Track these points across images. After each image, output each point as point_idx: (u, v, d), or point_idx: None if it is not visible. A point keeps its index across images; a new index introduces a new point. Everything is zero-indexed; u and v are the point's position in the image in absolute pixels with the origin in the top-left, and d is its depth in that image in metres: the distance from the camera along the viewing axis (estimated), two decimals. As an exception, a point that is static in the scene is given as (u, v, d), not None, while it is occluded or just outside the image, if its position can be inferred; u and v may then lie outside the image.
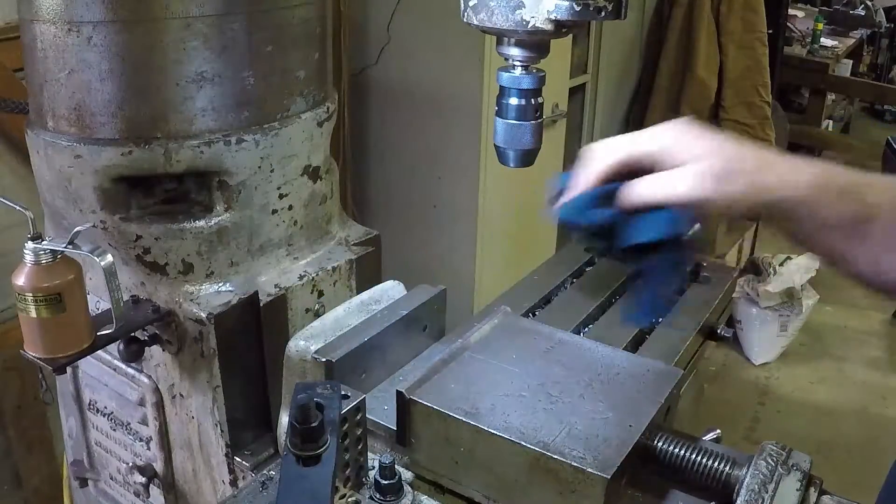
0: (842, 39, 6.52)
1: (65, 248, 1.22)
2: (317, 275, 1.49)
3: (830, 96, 6.71)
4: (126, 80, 1.25)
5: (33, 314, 1.22)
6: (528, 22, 1.03)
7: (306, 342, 1.26)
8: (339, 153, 3.04)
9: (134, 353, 1.42)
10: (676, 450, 1.11)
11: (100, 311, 1.40)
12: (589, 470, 1.00)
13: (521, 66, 1.11)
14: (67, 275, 1.23)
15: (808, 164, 0.88)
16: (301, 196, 1.46)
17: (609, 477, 0.99)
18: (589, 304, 1.56)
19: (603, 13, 1.02)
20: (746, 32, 3.77)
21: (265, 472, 1.15)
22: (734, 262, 4.63)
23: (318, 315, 1.45)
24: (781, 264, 4.18)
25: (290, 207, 1.45)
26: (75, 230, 1.23)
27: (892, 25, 7.93)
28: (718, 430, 1.24)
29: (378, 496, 1.08)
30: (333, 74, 1.56)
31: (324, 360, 1.20)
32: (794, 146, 5.92)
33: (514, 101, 1.13)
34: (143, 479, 1.56)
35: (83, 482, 1.79)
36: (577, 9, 1.01)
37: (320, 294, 1.51)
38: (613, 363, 1.23)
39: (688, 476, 1.11)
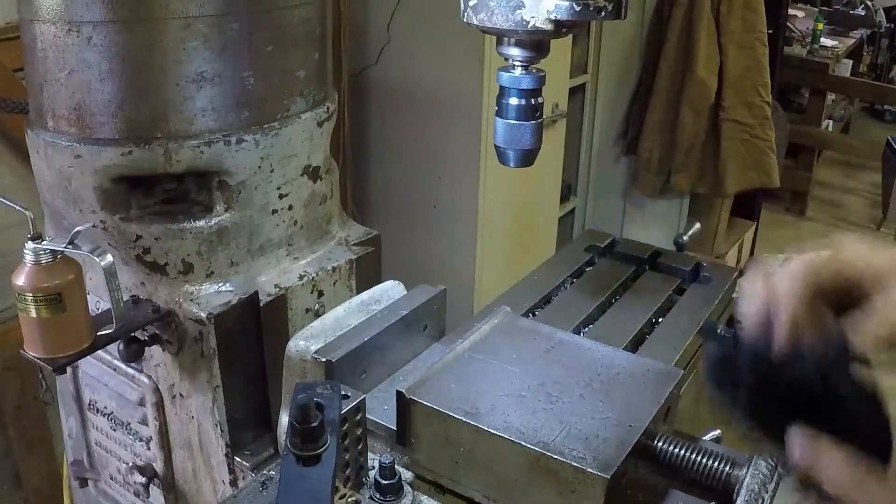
0: (842, 39, 6.52)
1: (65, 248, 1.22)
2: (317, 275, 1.49)
3: (830, 96, 6.71)
4: (126, 80, 1.25)
5: (33, 314, 1.22)
6: (528, 22, 1.03)
7: (306, 342, 1.26)
8: (339, 153, 3.04)
9: (134, 353, 1.41)
10: (676, 450, 1.11)
11: (100, 311, 1.40)
12: (589, 470, 1.00)
13: (521, 66, 1.12)
14: (67, 275, 1.23)
15: None
16: (301, 196, 1.46)
17: (609, 477, 0.99)
18: (589, 304, 1.56)
19: (603, 13, 1.02)
20: (746, 32, 3.76)
21: (265, 472, 1.16)
22: (734, 262, 4.63)
23: (318, 315, 1.45)
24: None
25: (290, 207, 1.45)
26: (75, 230, 1.23)
27: (892, 25, 7.93)
28: (718, 430, 1.24)
29: (378, 496, 1.08)
30: (333, 74, 1.56)
31: (324, 360, 1.20)
32: (794, 146, 5.93)
33: (514, 101, 1.13)
34: (143, 479, 1.56)
35: (83, 482, 1.79)
36: (577, 9, 1.01)
37: (320, 294, 1.51)
38: (613, 363, 1.23)
39: (688, 476, 1.11)
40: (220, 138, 1.31)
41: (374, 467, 1.11)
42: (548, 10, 1.02)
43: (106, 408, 1.63)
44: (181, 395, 1.46)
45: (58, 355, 1.26)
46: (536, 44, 1.10)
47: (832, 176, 7.05)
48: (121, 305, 1.29)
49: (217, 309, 1.35)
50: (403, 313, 1.34)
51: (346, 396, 1.05)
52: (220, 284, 1.39)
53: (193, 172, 1.34)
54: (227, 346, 1.36)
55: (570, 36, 2.88)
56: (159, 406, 1.50)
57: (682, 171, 4.01)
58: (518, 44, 1.10)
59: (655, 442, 1.12)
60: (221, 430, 1.42)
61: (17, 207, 1.26)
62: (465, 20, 1.11)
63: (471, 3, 1.08)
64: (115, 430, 1.63)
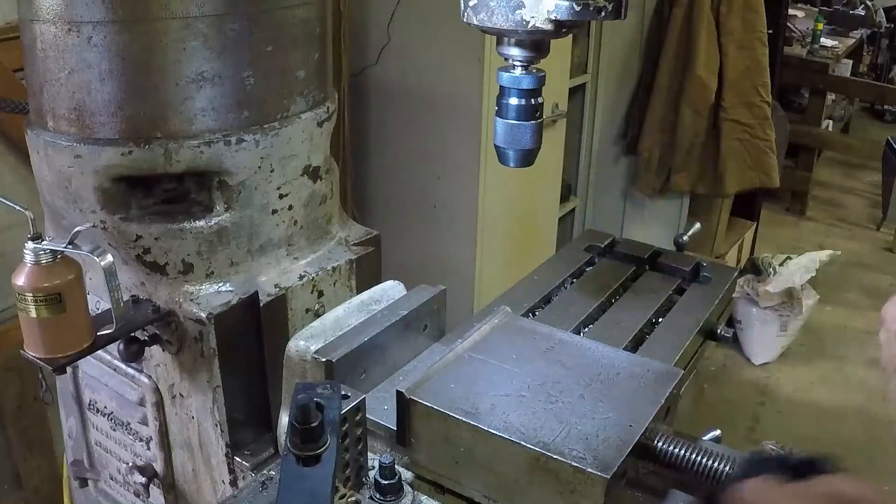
0: (842, 39, 6.51)
1: (65, 248, 1.22)
2: (317, 275, 1.49)
3: (830, 96, 6.70)
4: (126, 80, 1.25)
5: (33, 314, 1.22)
6: (528, 22, 1.03)
7: (306, 342, 1.26)
8: (339, 153, 3.04)
9: (134, 353, 1.42)
10: (676, 450, 1.11)
11: (100, 311, 1.40)
12: (589, 470, 1.00)
13: (521, 66, 1.12)
14: (67, 275, 1.23)
15: None
16: (301, 196, 1.46)
17: (609, 477, 0.99)
18: (589, 304, 1.56)
19: (603, 13, 1.02)
20: (746, 32, 3.76)
21: (265, 472, 1.16)
22: (734, 262, 4.63)
23: (318, 315, 1.45)
24: (781, 264, 4.18)
25: (290, 207, 1.45)
26: (75, 230, 1.23)
27: (892, 25, 7.93)
28: (718, 431, 1.24)
29: (378, 496, 1.08)
30: (333, 74, 1.56)
31: (324, 360, 1.20)
32: (794, 146, 5.93)
33: (514, 101, 1.13)
34: (143, 479, 1.56)
35: (83, 482, 1.79)
36: (577, 9, 1.01)
37: (320, 294, 1.51)
38: (613, 363, 1.23)
39: (688, 476, 1.11)
40: (220, 138, 1.31)
41: (374, 467, 1.11)
42: (548, 10, 1.02)
43: (106, 408, 1.63)
44: (181, 395, 1.46)
45: (58, 355, 1.26)
46: (536, 44, 1.10)
47: (832, 176, 7.05)
48: (121, 305, 1.29)
49: (217, 309, 1.35)
50: (403, 313, 1.34)
51: (346, 396, 1.05)
52: (220, 284, 1.39)
53: (193, 172, 1.34)
54: (227, 346, 1.36)
55: (570, 36, 2.88)
56: (159, 406, 1.50)
57: (682, 171, 4.01)
58: (518, 44, 1.10)
59: (655, 442, 1.12)
60: (221, 430, 1.42)
61: (17, 207, 1.26)
62: (465, 20, 1.11)
63: (471, 3, 1.08)
64: (115, 430, 1.63)
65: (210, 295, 1.38)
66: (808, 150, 6.23)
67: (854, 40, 6.74)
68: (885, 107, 8.14)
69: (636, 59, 4.10)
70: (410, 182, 3.20)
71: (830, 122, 6.84)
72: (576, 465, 1.01)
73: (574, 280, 1.68)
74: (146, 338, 1.41)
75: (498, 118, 1.16)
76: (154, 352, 1.45)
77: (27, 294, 1.21)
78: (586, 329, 1.51)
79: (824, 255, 4.24)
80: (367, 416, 1.11)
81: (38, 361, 1.26)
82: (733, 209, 4.67)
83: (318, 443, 0.92)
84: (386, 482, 1.08)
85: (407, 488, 1.10)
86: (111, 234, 1.35)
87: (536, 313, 1.55)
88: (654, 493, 1.14)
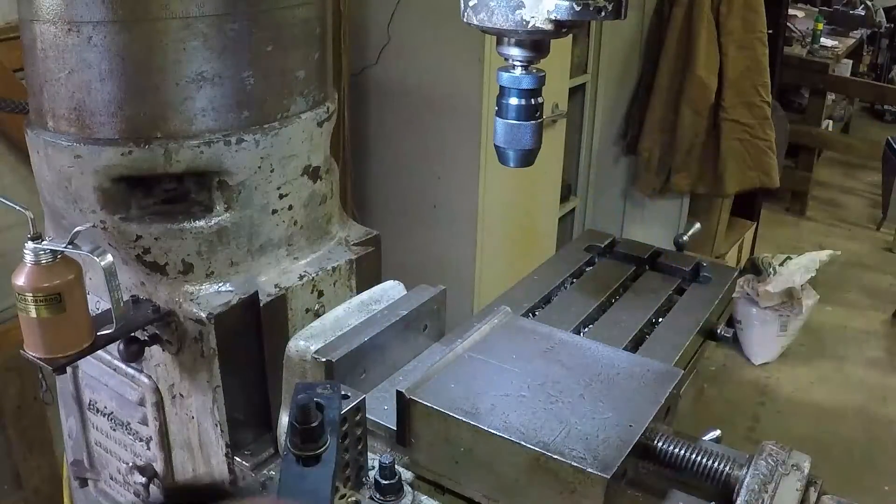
0: (842, 39, 6.52)
1: (65, 248, 1.22)
2: (317, 275, 1.49)
3: (830, 96, 6.70)
4: (126, 80, 1.25)
5: (33, 314, 1.22)
6: (528, 22, 1.04)
7: (306, 342, 1.26)
8: (339, 153, 3.04)
9: (134, 353, 1.41)
10: (676, 450, 1.11)
11: (100, 311, 1.40)
12: (589, 470, 1.00)
13: (521, 66, 1.12)
14: (67, 275, 1.23)
15: None
16: (301, 196, 1.46)
17: (609, 477, 0.99)
18: (589, 304, 1.56)
19: (603, 13, 1.02)
20: (746, 32, 3.76)
21: (265, 472, 1.16)
22: (734, 262, 4.63)
23: (318, 315, 1.45)
24: (781, 264, 4.18)
25: (290, 207, 1.45)
26: (75, 230, 1.23)
27: (892, 25, 7.93)
28: (718, 431, 1.24)
29: (378, 496, 1.08)
30: (333, 74, 1.56)
31: (324, 360, 1.20)
32: (794, 146, 5.93)
33: (514, 101, 1.13)
34: (143, 479, 1.56)
35: (83, 482, 1.79)
36: (577, 9, 1.01)
37: (320, 294, 1.51)
38: (613, 363, 1.23)
39: (688, 476, 1.11)
40: (220, 138, 1.31)
41: (374, 467, 1.11)
42: (548, 10, 1.03)
43: (106, 408, 1.63)
44: (181, 395, 1.46)
45: (58, 355, 1.26)
46: (536, 44, 1.11)
47: (832, 176, 7.05)
48: (121, 305, 1.29)
49: (217, 309, 1.35)
50: (403, 313, 1.34)
51: (346, 396, 1.05)
52: (220, 284, 1.39)
53: (193, 172, 1.34)
54: (227, 346, 1.36)
55: (570, 36, 2.88)
56: (159, 406, 1.50)
57: (682, 171, 4.02)
58: (518, 44, 1.11)
59: (655, 442, 1.12)
60: (221, 430, 1.42)
61: (17, 207, 1.26)
62: (465, 20, 1.11)
63: (471, 3, 1.08)
64: (115, 430, 1.63)
65: (210, 295, 1.38)
66: (808, 150, 6.23)
67: (854, 40, 6.74)
68: (885, 107, 8.14)
69: (636, 59, 4.10)
70: (410, 182, 3.20)
71: (830, 122, 6.84)
72: (576, 465, 1.01)
73: (574, 280, 1.68)
74: (146, 338, 1.41)
75: (498, 118, 1.16)
76: (154, 352, 1.45)
77: (27, 294, 1.21)
78: (586, 329, 1.51)
79: (824, 255, 4.24)
80: (367, 416, 1.11)
81: (38, 361, 1.26)
82: (733, 209, 4.67)
83: (318, 443, 0.92)
84: (386, 482, 1.08)
85: (407, 488, 1.10)
86: (111, 234, 1.35)
87: (536, 313, 1.55)
88: (654, 493, 1.14)
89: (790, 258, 4.23)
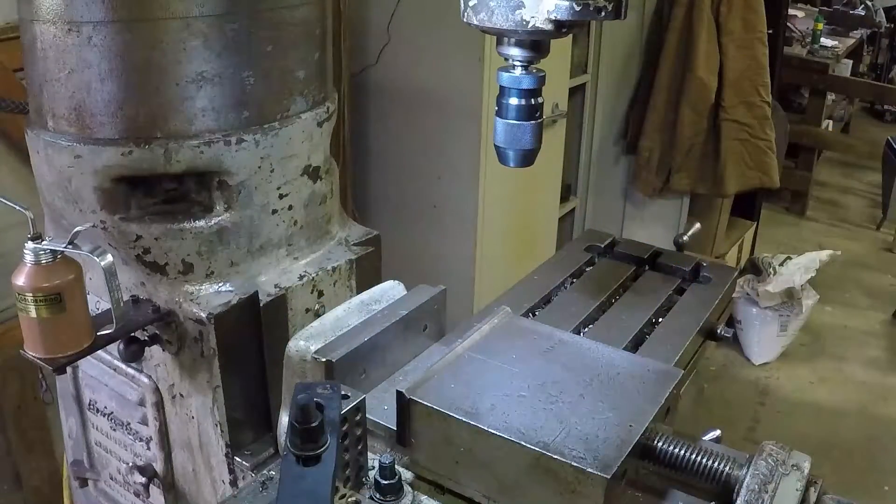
0: (842, 39, 6.52)
1: (65, 248, 1.22)
2: (317, 275, 1.49)
3: (830, 96, 6.70)
4: (126, 80, 1.25)
5: (33, 314, 1.22)
6: (528, 22, 1.04)
7: (306, 342, 1.26)
8: (339, 153, 3.04)
9: (134, 353, 1.42)
10: (676, 450, 1.11)
11: (100, 311, 1.40)
12: (589, 470, 1.00)
13: (521, 66, 1.12)
14: (67, 275, 1.23)
15: None
16: (301, 196, 1.46)
17: (609, 477, 0.99)
18: (589, 304, 1.56)
19: (603, 13, 1.02)
20: (746, 32, 3.76)
21: (265, 472, 1.15)
22: (734, 262, 4.63)
23: (318, 315, 1.45)
24: (781, 264, 4.18)
25: (290, 207, 1.45)
26: (75, 230, 1.23)
27: (892, 25, 7.93)
28: (718, 431, 1.24)
29: (378, 496, 1.08)
30: (333, 74, 1.56)
31: (324, 360, 1.20)
32: (794, 146, 5.93)
33: (514, 101, 1.13)
34: (143, 479, 1.56)
35: (83, 482, 1.79)
36: (577, 9, 1.01)
37: (320, 294, 1.51)
38: (613, 363, 1.23)
39: (688, 476, 1.11)
40: (220, 138, 1.31)
41: (374, 467, 1.11)
42: (548, 10, 1.03)
43: (106, 408, 1.63)
44: (181, 395, 1.46)
45: (58, 355, 1.26)
46: (536, 44, 1.11)
47: (832, 176, 7.05)
48: (121, 305, 1.29)
49: (217, 309, 1.35)
50: (403, 313, 1.34)
51: (346, 396, 1.05)
52: (220, 284, 1.39)
53: (193, 172, 1.34)
54: (227, 346, 1.36)
55: (570, 36, 2.88)
56: (159, 406, 1.50)
57: (682, 171, 4.01)
58: (518, 44, 1.11)
59: (655, 442, 1.12)
60: (221, 430, 1.42)
61: (17, 207, 1.26)
62: (465, 20, 1.11)
63: (471, 3, 1.08)
64: (115, 430, 1.63)
65: (210, 295, 1.38)
66: (808, 150, 6.23)
67: (854, 40, 6.74)
68: (885, 107, 8.14)
69: (636, 59, 4.10)
70: (410, 182, 3.20)
71: (830, 122, 6.84)
72: (576, 465, 1.01)
73: (574, 280, 1.68)
74: (146, 338, 1.41)
75: (498, 118, 1.16)
76: (154, 352, 1.45)
77: (27, 294, 1.21)
78: (586, 329, 1.51)
79: (824, 255, 4.24)
80: (367, 416, 1.11)
81: (38, 361, 1.26)
82: (733, 209, 4.67)
83: (318, 443, 0.92)
84: (386, 482, 1.08)
85: (407, 488, 1.10)
86: (111, 234, 1.35)
87: (536, 313, 1.55)
88: (654, 493, 1.14)
89: (790, 258, 4.23)
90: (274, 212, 1.42)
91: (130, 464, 1.60)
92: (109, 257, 1.25)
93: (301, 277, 1.47)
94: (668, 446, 1.12)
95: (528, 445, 1.04)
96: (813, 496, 1.07)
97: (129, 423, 1.59)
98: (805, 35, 6.17)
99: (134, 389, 1.53)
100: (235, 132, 1.32)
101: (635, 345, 1.45)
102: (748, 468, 1.07)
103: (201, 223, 1.36)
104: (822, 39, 6.16)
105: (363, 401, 1.09)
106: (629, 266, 1.73)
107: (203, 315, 1.34)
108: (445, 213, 3.16)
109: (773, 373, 4.24)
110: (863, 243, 5.81)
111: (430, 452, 1.14)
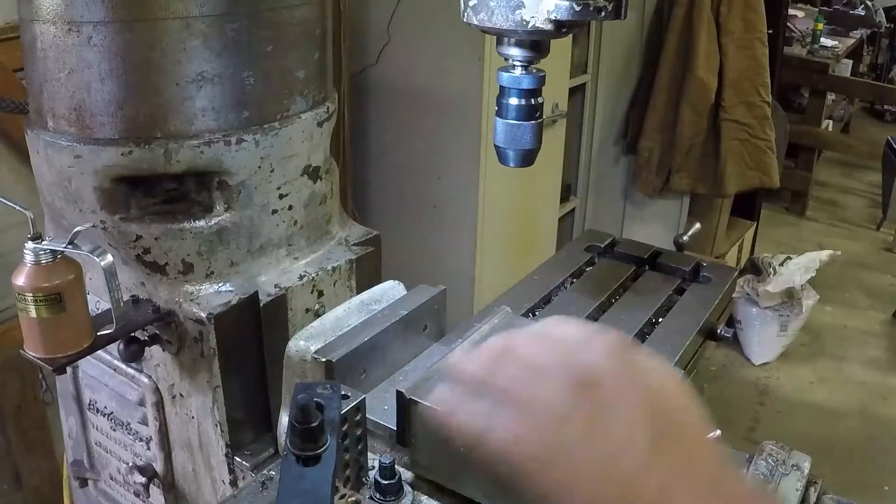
0: (842, 39, 6.52)
1: (65, 248, 1.22)
2: (317, 275, 1.49)
3: (830, 96, 6.71)
4: (126, 80, 1.25)
5: (33, 314, 1.22)
6: (528, 22, 1.03)
7: (306, 342, 1.26)
8: (339, 153, 3.04)
9: (134, 353, 1.41)
10: (676, 450, 1.11)
11: (100, 311, 1.40)
12: (589, 470, 1.00)
13: (521, 66, 1.12)
14: (67, 275, 1.23)
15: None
16: (301, 196, 1.46)
17: (609, 477, 0.99)
18: (589, 304, 1.56)
19: (603, 13, 1.02)
20: (746, 32, 3.76)
21: (265, 472, 1.15)
22: (734, 262, 4.64)
23: (318, 315, 1.45)
24: (781, 264, 4.18)
25: (290, 207, 1.45)
26: (75, 230, 1.23)
27: (892, 25, 7.93)
28: (718, 431, 1.24)
29: (378, 496, 1.08)
30: (333, 74, 1.56)
31: (324, 360, 1.20)
32: (794, 146, 5.93)
33: (514, 101, 1.13)
34: (143, 479, 1.56)
35: (83, 482, 1.79)
36: (577, 9, 1.01)
37: (320, 294, 1.51)
38: (613, 363, 1.23)
39: (688, 476, 1.11)
40: (220, 138, 1.31)
41: (374, 467, 1.11)
42: (548, 10, 1.03)
43: (106, 408, 1.63)
44: (181, 395, 1.46)
45: (58, 355, 1.26)
46: (536, 44, 1.11)
47: (832, 176, 7.05)
48: (121, 305, 1.29)
49: (217, 309, 1.35)
50: (403, 313, 1.34)
51: (346, 396, 1.05)
52: (220, 284, 1.39)
53: (193, 172, 1.34)
54: (227, 346, 1.36)
55: (570, 36, 2.88)
56: (159, 406, 1.50)
57: (682, 171, 4.02)
58: (518, 44, 1.10)
59: (655, 442, 1.12)
60: (221, 430, 1.42)
61: (17, 207, 1.26)
62: (465, 20, 1.11)
63: (471, 3, 1.08)
64: (115, 430, 1.63)
65: (210, 295, 1.38)
66: (808, 150, 6.23)
67: (854, 40, 6.74)
68: (885, 107, 8.14)
69: (636, 59, 4.10)
70: (410, 182, 3.20)
71: (830, 122, 6.84)
72: (576, 465, 1.01)
73: (574, 280, 1.68)
74: (146, 338, 1.41)
75: (498, 118, 1.16)
76: (154, 352, 1.45)
77: (27, 294, 1.21)
78: (586, 329, 1.51)
79: (824, 255, 4.24)
80: (367, 416, 1.10)
81: (38, 361, 1.26)
82: (733, 209, 4.67)
83: (318, 443, 0.92)
84: (386, 482, 1.08)
85: (407, 488, 1.10)
86: (111, 234, 1.35)
87: (536, 313, 1.55)
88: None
89: (790, 258, 4.23)
90: (274, 212, 1.42)
91: (130, 464, 1.60)
92: (109, 257, 1.25)
93: (301, 277, 1.47)
94: (668, 446, 1.12)
95: (528, 445, 1.04)
96: (813, 496, 1.07)
97: (129, 423, 1.59)
98: (805, 35, 6.17)
99: (134, 389, 1.53)
100: (235, 132, 1.32)
101: (635, 345, 1.45)
102: (748, 468, 1.07)
103: (201, 223, 1.36)
104: (822, 39, 6.16)
105: (363, 401, 1.09)
106: (629, 266, 1.73)
107: (203, 315, 1.34)
108: (445, 213, 3.16)
109: (773, 373, 4.25)
110: (863, 243, 5.81)
111: (430, 452, 1.14)
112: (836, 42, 6.33)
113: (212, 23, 1.25)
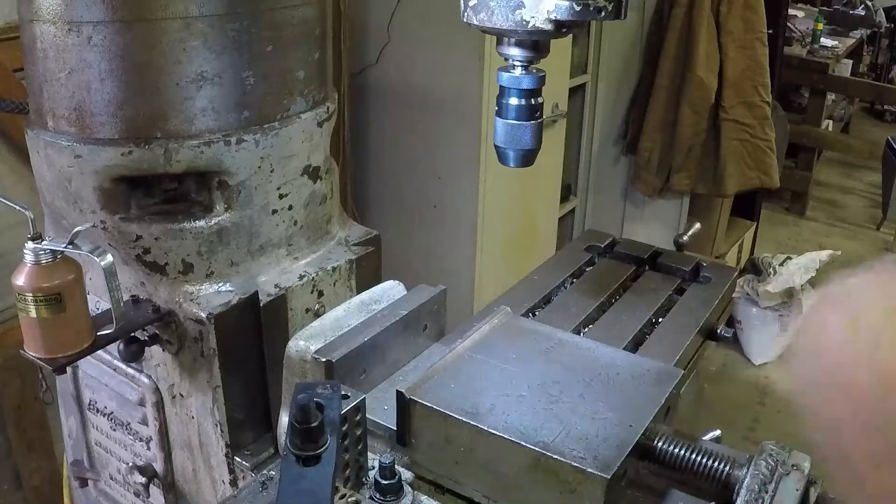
0: (842, 39, 6.51)
1: (65, 248, 1.22)
2: (317, 275, 1.49)
3: (830, 96, 6.70)
4: (126, 80, 1.25)
5: (33, 314, 1.22)
6: (528, 22, 1.04)
7: (306, 342, 1.26)
8: (339, 153, 3.04)
9: (134, 353, 1.42)
10: (676, 450, 1.11)
11: (100, 311, 1.40)
12: (589, 470, 1.00)
13: (521, 66, 1.12)
14: (67, 275, 1.23)
15: None
16: (301, 196, 1.46)
17: (609, 477, 0.99)
18: (589, 304, 1.56)
19: (603, 13, 1.02)
20: (746, 32, 3.76)
21: (265, 472, 1.15)
22: (734, 262, 4.63)
23: (318, 315, 1.45)
24: (781, 264, 4.18)
25: (290, 207, 1.45)
26: (75, 230, 1.23)
27: (892, 25, 7.93)
28: (718, 430, 1.24)
29: (378, 496, 1.08)
30: (333, 74, 1.56)
31: (324, 360, 1.20)
32: (794, 146, 5.93)
33: (514, 101, 1.13)
34: (143, 479, 1.56)
35: (83, 482, 1.79)
36: (577, 9, 1.01)
37: (320, 294, 1.51)
38: (613, 363, 1.23)
39: (688, 476, 1.11)
40: (220, 138, 1.31)
41: (374, 467, 1.11)
42: (548, 10, 1.03)
43: (106, 408, 1.63)
44: (181, 395, 1.46)
45: (58, 355, 1.26)
46: (536, 44, 1.11)
47: (832, 176, 7.05)
48: (121, 305, 1.29)
49: (217, 309, 1.35)
50: (403, 313, 1.34)
51: (346, 396, 1.05)
52: (220, 284, 1.39)
53: (193, 172, 1.34)
54: (227, 346, 1.36)
55: (570, 36, 2.88)
56: (159, 406, 1.50)
57: (682, 171, 4.01)
58: (518, 44, 1.11)
59: (655, 442, 1.12)
60: (221, 430, 1.42)
61: (17, 207, 1.26)
62: (465, 20, 1.11)
63: (471, 3, 1.08)
64: (115, 430, 1.63)
65: (210, 295, 1.38)
66: (808, 150, 6.23)
67: (854, 40, 6.74)
68: (885, 107, 8.14)
69: (636, 59, 4.10)
70: (410, 182, 3.20)
71: (830, 122, 6.84)
72: (576, 465, 1.01)
73: (574, 280, 1.68)
74: (146, 338, 1.41)
75: (498, 118, 1.16)
76: (154, 352, 1.45)
77: (27, 294, 1.21)
78: (586, 329, 1.51)
79: (824, 255, 4.24)
80: (367, 416, 1.11)
81: (38, 361, 1.26)
82: (733, 209, 4.67)
83: (318, 443, 0.92)
84: (386, 482, 1.08)
85: (407, 488, 1.10)
86: (111, 234, 1.35)
87: (536, 313, 1.55)
88: (654, 493, 1.14)
89: (790, 258, 4.23)
90: (274, 212, 1.42)
91: (130, 464, 1.60)
92: (109, 257, 1.25)
93: (301, 277, 1.47)
94: (668, 446, 1.12)
95: (528, 445, 1.04)
96: (813, 496, 1.07)
97: (129, 423, 1.59)
98: (805, 35, 6.17)
99: (134, 389, 1.53)
100: (235, 132, 1.32)
101: (635, 345, 1.45)
102: (748, 468, 1.07)
103: (201, 223, 1.36)
104: (822, 39, 6.16)
105: (363, 401, 1.09)
106: (629, 266, 1.73)
107: (203, 315, 1.34)
108: (445, 213, 3.16)
109: (773, 373, 4.24)
110: (863, 243, 5.81)
111: (430, 452, 1.14)
112: (836, 42, 6.33)
113: (212, 23, 1.25)
